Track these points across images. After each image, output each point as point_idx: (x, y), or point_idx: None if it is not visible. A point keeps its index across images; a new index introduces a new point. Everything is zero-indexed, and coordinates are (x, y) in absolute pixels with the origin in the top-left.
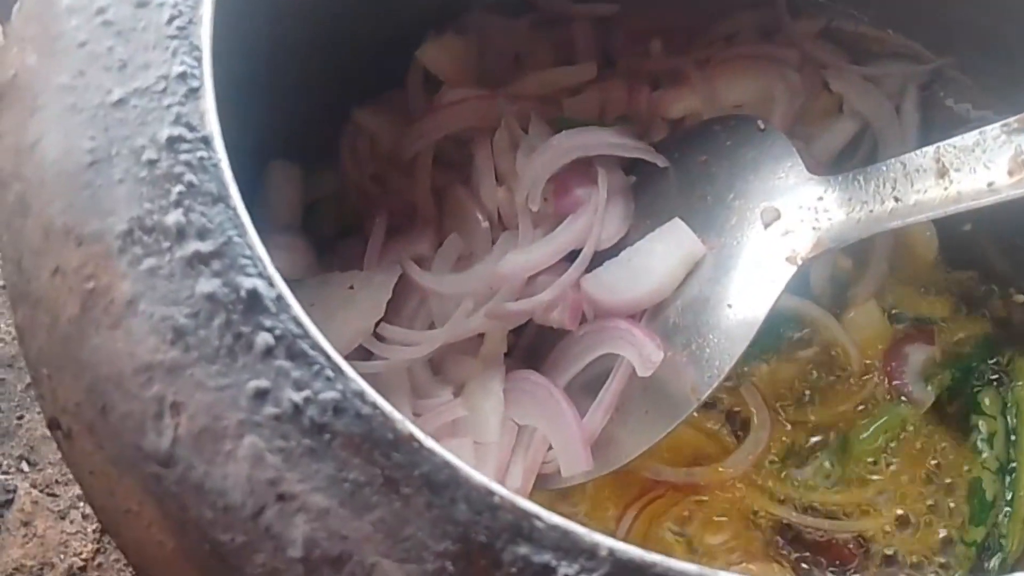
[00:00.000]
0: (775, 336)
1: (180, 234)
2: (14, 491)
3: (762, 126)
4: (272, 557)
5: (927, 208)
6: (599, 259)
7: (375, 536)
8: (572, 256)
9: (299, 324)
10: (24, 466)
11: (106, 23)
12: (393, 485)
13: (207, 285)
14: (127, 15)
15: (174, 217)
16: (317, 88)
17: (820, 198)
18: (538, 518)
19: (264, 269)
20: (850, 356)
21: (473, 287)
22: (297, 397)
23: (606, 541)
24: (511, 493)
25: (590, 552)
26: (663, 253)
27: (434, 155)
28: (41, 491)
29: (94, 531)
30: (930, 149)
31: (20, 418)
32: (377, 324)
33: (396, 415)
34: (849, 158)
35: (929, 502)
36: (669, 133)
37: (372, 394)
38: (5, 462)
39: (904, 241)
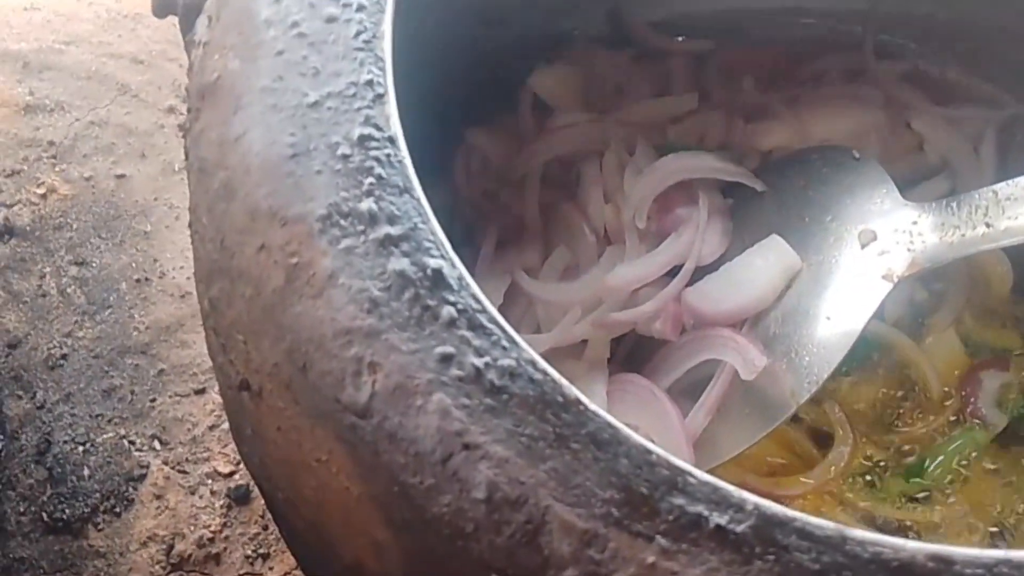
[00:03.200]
0: (859, 357)
1: (372, 219)
2: (147, 467)
3: (857, 155)
4: (457, 498)
5: (1018, 233)
6: (699, 275)
7: (549, 483)
8: (674, 271)
9: (478, 300)
10: (156, 444)
11: (300, 35)
12: (563, 440)
13: (398, 263)
14: (319, 28)
15: (367, 204)
16: (433, 108)
17: (915, 222)
18: (691, 475)
19: (446, 252)
20: (928, 380)
21: (580, 296)
22: (478, 362)
23: (752, 497)
24: (666, 453)
25: (738, 506)
26: (762, 266)
27: (544, 175)
28: (172, 468)
29: (221, 506)
30: (1021, 179)
31: (153, 400)
32: None
33: (564, 381)
34: (929, 193)
35: (998, 522)
36: (765, 161)
37: (542, 363)
38: (139, 440)
39: (980, 275)
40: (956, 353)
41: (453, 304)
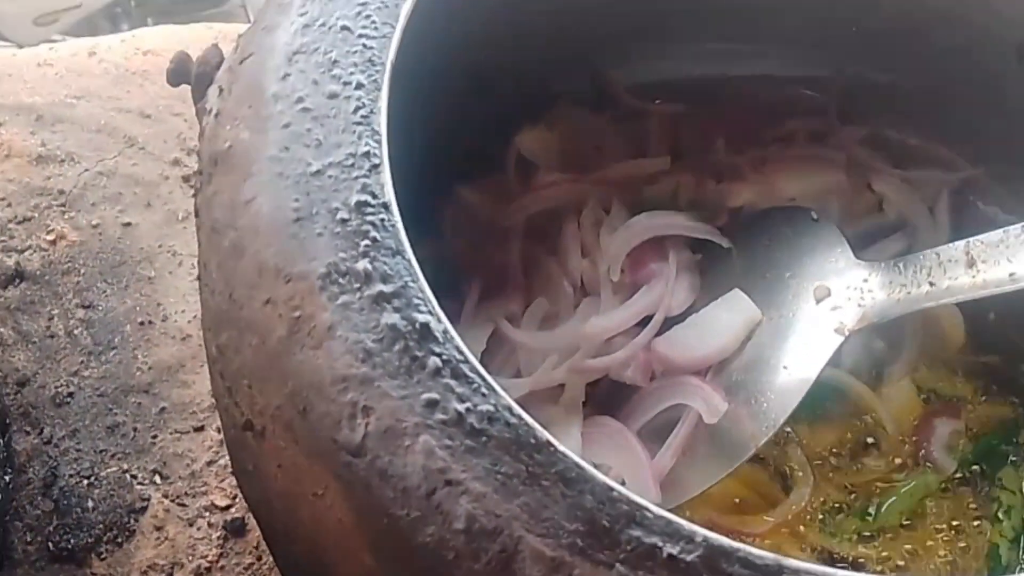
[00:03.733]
0: (819, 403)
1: (368, 277)
2: (148, 500)
3: (815, 217)
4: (440, 528)
5: (957, 292)
6: (668, 325)
7: (522, 516)
8: (645, 321)
9: (460, 352)
10: (157, 479)
11: (305, 109)
12: (535, 478)
13: (390, 318)
14: (322, 104)
15: (363, 264)
16: (422, 165)
17: (865, 280)
18: (648, 510)
19: (433, 308)
20: (884, 425)
21: (558, 343)
22: (460, 407)
23: (701, 530)
24: (626, 490)
25: (689, 537)
26: (726, 318)
27: (527, 229)
28: (172, 501)
29: (218, 537)
30: (961, 243)
31: (154, 437)
32: None
33: (536, 425)
34: (887, 250)
35: (948, 562)
36: (731, 220)
37: (518, 409)
38: (140, 474)
39: (934, 327)
40: (911, 401)
41: (439, 355)
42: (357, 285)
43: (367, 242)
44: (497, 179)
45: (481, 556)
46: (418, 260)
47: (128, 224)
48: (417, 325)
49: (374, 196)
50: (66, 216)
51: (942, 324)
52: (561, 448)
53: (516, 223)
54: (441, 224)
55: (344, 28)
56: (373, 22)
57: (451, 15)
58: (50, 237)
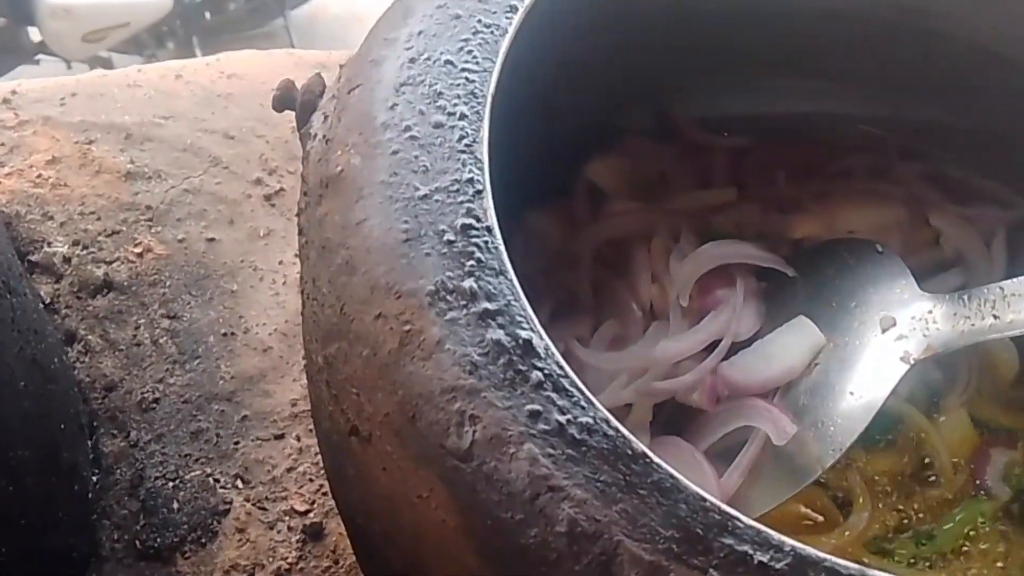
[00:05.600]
0: (880, 430)
1: (473, 296)
2: (230, 503)
3: (880, 249)
4: (543, 531)
5: (1020, 326)
6: (734, 350)
7: (620, 521)
8: (712, 346)
9: (561, 367)
10: (239, 483)
11: (412, 138)
12: (632, 487)
13: (495, 334)
14: (428, 132)
15: (468, 283)
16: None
17: (930, 311)
18: (739, 520)
19: (535, 326)
20: (940, 454)
21: (627, 365)
22: (562, 418)
23: (789, 541)
24: (718, 501)
25: (778, 547)
26: (791, 343)
27: (596, 256)
28: (253, 505)
29: (297, 541)
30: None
31: (236, 443)
32: None
33: (632, 438)
34: (944, 284)
35: None
36: (795, 249)
37: (615, 422)
38: (223, 479)
39: (988, 361)
40: (966, 431)
41: (540, 369)
42: (463, 302)
43: (472, 262)
44: (566, 206)
45: (582, 558)
46: None
47: (212, 239)
48: (520, 341)
49: (478, 220)
50: (153, 230)
51: (994, 357)
52: (656, 460)
53: (586, 249)
54: (512, 249)
55: (448, 62)
56: (475, 57)
57: (539, 50)
58: (137, 250)
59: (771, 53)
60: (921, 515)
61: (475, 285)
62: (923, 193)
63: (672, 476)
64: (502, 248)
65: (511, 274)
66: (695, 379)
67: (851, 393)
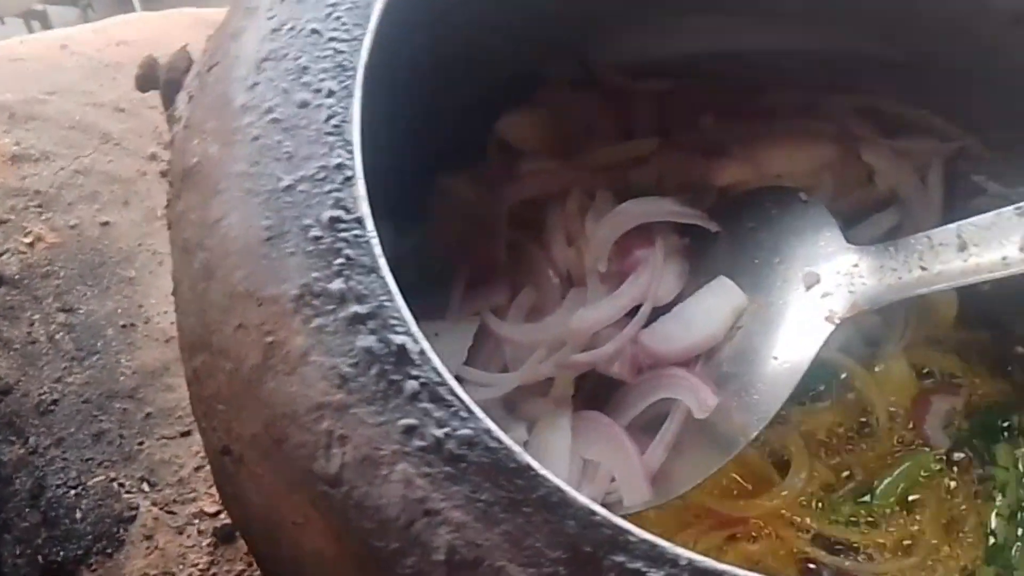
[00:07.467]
0: (814, 385)
1: (342, 298)
2: (136, 509)
3: (804, 198)
4: (420, 560)
5: (949, 278)
6: (656, 315)
7: (503, 545)
8: (633, 312)
9: (438, 374)
10: (145, 486)
11: (274, 120)
12: (516, 505)
13: (365, 341)
14: (292, 114)
15: (337, 284)
16: (405, 155)
17: (855, 265)
18: (631, 533)
19: (409, 328)
20: (877, 406)
21: (544, 337)
22: (439, 432)
23: (685, 553)
24: (609, 513)
25: (673, 561)
26: (711, 305)
27: (512, 217)
28: (161, 509)
29: (208, 544)
30: (952, 226)
31: (140, 444)
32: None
33: (517, 448)
34: (879, 224)
35: (945, 544)
36: (720, 201)
37: (497, 431)
38: (128, 483)
39: (927, 303)
40: (907, 379)
41: (416, 378)
42: (331, 307)
43: (341, 260)
44: (481, 167)
45: None
46: (405, 252)
47: (106, 223)
48: (393, 347)
49: (347, 211)
50: (43, 217)
51: (934, 298)
52: (542, 471)
53: (500, 212)
54: (427, 215)
55: (314, 32)
56: (344, 23)
57: (427, 5)
58: (28, 240)
59: None
60: (861, 472)
61: (344, 286)
62: (854, 128)
63: (559, 489)
64: (374, 241)
65: (384, 270)
66: (614, 349)
67: (775, 358)
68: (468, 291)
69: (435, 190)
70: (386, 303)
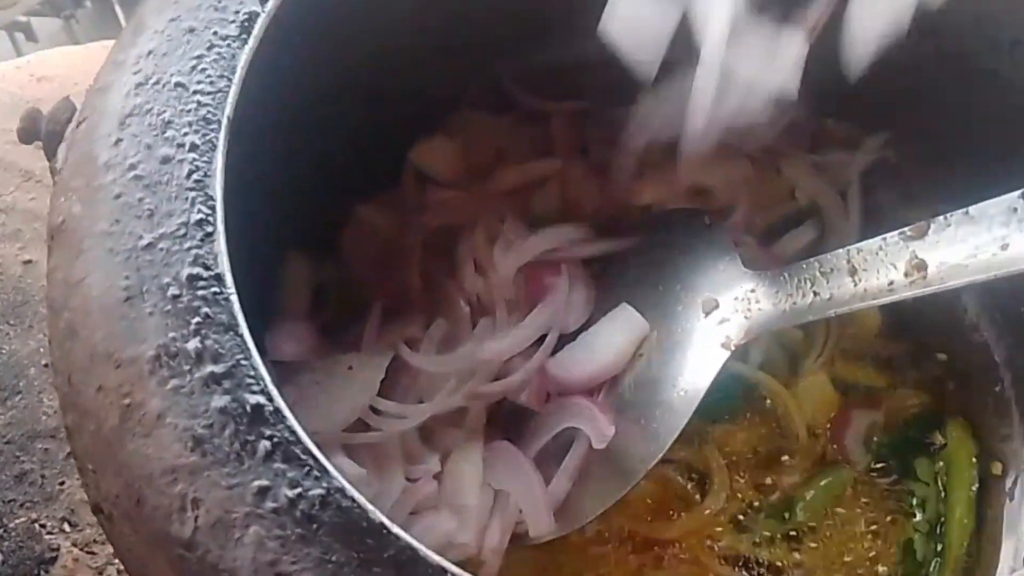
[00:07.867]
0: (733, 402)
1: (198, 358)
2: (57, 550)
3: (708, 221)
4: None
5: (840, 302)
6: (564, 342)
7: None
8: (542, 340)
9: (292, 432)
10: (66, 527)
11: (136, 177)
12: (367, 566)
13: (219, 401)
14: (154, 170)
15: (193, 344)
16: (320, 187)
17: (752, 290)
18: None
19: (265, 386)
20: (797, 423)
21: (456, 367)
22: (291, 493)
23: None
24: (461, 571)
25: None
26: (612, 333)
27: (426, 245)
28: (81, 549)
29: None
30: (842, 251)
31: (62, 484)
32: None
33: (369, 507)
34: (798, 239)
35: (866, 560)
36: (635, 220)
37: (350, 490)
38: (49, 523)
39: (849, 315)
40: (828, 394)
41: (270, 438)
42: (187, 367)
43: (198, 319)
44: (394, 196)
45: None
46: (322, 283)
47: (29, 261)
48: (248, 407)
49: (207, 268)
50: None
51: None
52: (395, 530)
53: (414, 241)
54: (343, 245)
55: (178, 85)
56: (208, 76)
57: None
58: None
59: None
60: (782, 489)
61: (200, 345)
62: (774, 143)
63: (411, 547)
64: (233, 298)
65: (242, 328)
66: (521, 379)
67: (673, 385)
68: (384, 322)
69: (352, 218)
70: (242, 361)
